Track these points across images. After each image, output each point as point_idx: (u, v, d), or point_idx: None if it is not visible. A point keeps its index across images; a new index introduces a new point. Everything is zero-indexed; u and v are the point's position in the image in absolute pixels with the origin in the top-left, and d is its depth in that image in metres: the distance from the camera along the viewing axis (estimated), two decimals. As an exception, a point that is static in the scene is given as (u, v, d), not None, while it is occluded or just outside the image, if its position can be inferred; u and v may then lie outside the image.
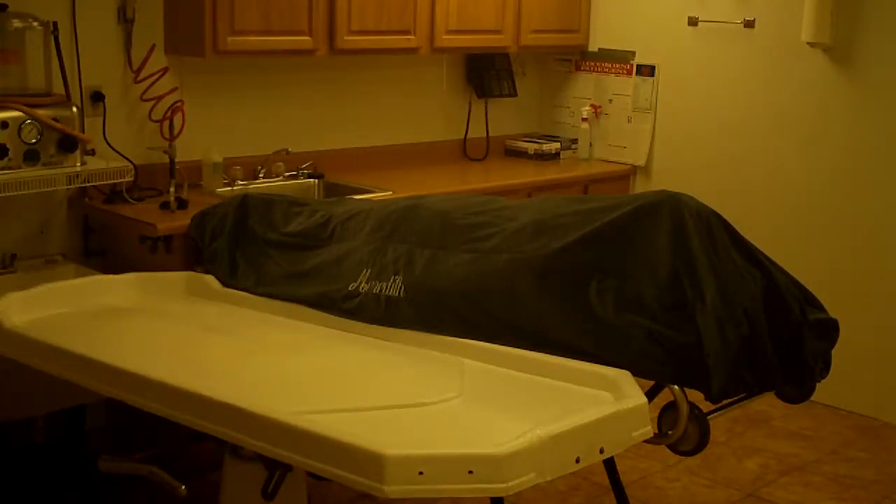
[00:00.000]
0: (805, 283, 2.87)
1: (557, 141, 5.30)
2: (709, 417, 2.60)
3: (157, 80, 3.92)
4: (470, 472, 2.08)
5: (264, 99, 4.38)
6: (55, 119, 3.49)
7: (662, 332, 2.57)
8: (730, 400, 2.66)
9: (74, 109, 3.59)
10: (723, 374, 2.52)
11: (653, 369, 2.58)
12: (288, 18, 4.08)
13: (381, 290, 2.99)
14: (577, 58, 5.36)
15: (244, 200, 3.52)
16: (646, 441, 2.46)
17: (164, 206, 3.74)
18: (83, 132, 3.62)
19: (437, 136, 5.08)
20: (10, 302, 2.99)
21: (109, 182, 3.70)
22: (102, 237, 3.94)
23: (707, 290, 2.57)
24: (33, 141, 3.44)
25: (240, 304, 3.24)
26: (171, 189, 3.76)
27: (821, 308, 2.84)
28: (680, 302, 2.59)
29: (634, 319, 2.61)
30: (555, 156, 5.25)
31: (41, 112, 3.46)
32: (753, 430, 4.30)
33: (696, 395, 2.58)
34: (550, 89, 5.49)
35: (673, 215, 2.69)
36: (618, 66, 5.20)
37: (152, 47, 3.94)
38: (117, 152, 3.85)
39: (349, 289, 3.06)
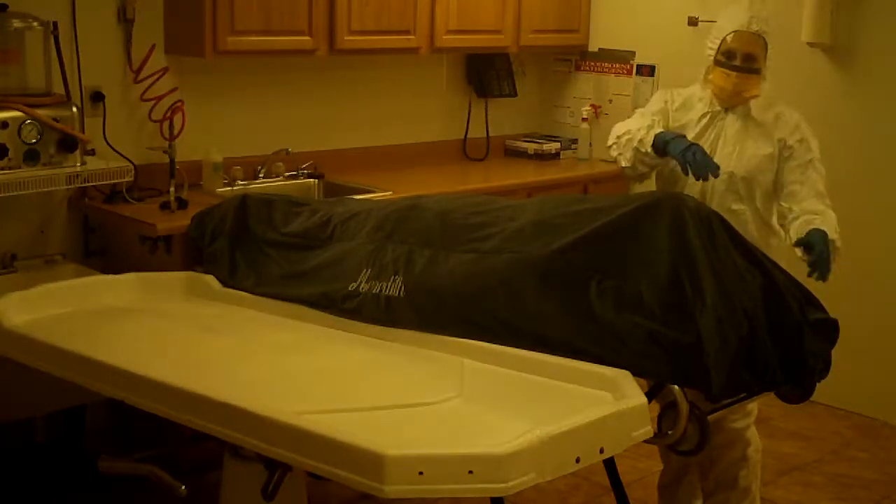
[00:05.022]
0: (805, 283, 2.86)
1: (557, 141, 5.30)
2: (709, 417, 2.60)
3: (157, 80, 3.92)
4: (470, 472, 2.08)
5: (264, 99, 4.39)
6: (55, 119, 3.49)
7: (662, 332, 2.57)
8: (730, 400, 2.66)
9: (74, 109, 3.59)
10: (723, 374, 2.51)
11: (653, 369, 2.58)
12: (288, 18, 4.08)
13: (381, 290, 2.99)
14: (577, 58, 5.36)
15: (244, 200, 3.52)
16: (646, 441, 2.46)
17: (164, 206, 3.74)
18: (83, 132, 3.62)
19: (437, 136, 5.08)
20: (10, 302, 2.99)
21: (109, 182, 3.70)
22: (102, 237, 3.94)
23: (707, 290, 2.57)
24: (33, 141, 3.44)
25: (240, 305, 3.24)
26: (171, 189, 3.76)
27: (821, 308, 2.83)
28: (680, 302, 2.59)
29: (634, 319, 2.60)
30: (555, 156, 5.25)
31: (41, 112, 3.46)
32: (753, 430, 4.29)
33: (696, 395, 2.58)
34: (550, 89, 5.49)
35: (673, 215, 2.69)
36: (618, 66, 5.20)
37: (152, 47, 3.94)
38: (117, 152, 3.85)
39: (349, 289, 3.06)
